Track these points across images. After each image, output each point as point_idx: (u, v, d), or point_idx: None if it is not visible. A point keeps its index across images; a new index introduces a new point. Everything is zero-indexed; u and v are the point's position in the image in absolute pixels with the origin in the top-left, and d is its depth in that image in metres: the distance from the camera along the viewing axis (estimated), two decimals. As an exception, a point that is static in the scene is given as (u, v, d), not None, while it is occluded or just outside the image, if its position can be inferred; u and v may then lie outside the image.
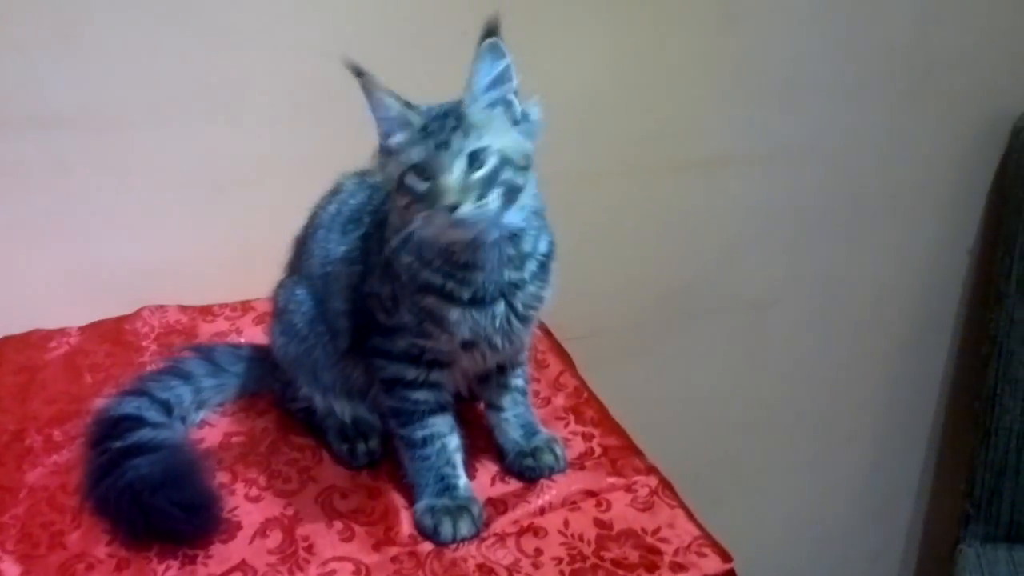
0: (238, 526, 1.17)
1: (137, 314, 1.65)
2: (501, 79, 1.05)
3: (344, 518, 1.18)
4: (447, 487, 1.17)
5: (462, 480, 1.19)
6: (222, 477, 1.26)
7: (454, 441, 1.20)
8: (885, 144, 2.05)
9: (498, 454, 1.28)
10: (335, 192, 1.31)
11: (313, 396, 1.30)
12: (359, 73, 1.05)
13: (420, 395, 1.18)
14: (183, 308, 1.68)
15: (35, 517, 1.20)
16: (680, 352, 2.07)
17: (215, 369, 1.43)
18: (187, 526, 1.13)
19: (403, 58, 1.67)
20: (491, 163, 1.02)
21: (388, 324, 1.16)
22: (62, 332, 1.61)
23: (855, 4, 1.93)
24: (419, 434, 1.18)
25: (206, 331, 1.62)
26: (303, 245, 1.32)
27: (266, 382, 1.41)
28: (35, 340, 1.59)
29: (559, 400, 1.41)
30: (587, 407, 1.39)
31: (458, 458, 1.19)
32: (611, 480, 1.23)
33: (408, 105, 1.06)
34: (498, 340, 1.13)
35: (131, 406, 1.30)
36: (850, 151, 2.03)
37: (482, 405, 1.30)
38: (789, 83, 1.94)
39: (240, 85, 1.62)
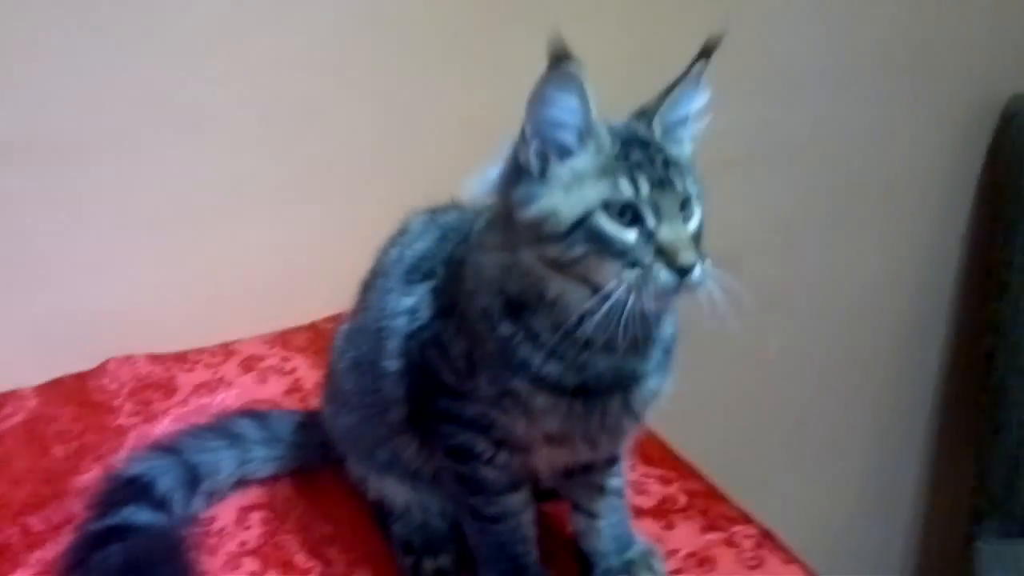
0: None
1: (102, 368, 1.44)
2: (699, 115, 0.86)
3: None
4: (517, 566, 0.99)
5: (532, 556, 1.00)
6: (250, 565, 1.08)
7: (528, 516, 0.99)
8: (875, 135, 1.98)
9: (581, 562, 1.05)
10: (401, 233, 1.06)
11: (368, 478, 1.09)
12: (564, 55, 0.76)
13: (490, 473, 0.95)
14: (154, 357, 1.47)
15: (31, 633, 1.00)
16: (682, 357, 1.97)
17: (269, 436, 1.21)
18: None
19: (388, 65, 1.53)
20: (698, 215, 0.81)
21: (455, 387, 0.92)
22: (15, 395, 1.39)
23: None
24: (489, 510, 0.97)
25: (186, 382, 1.42)
26: (363, 293, 1.09)
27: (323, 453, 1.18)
28: (-16, 406, 1.37)
29: None
30: (648, 446, 1.23)
31: (531, 533, 1.00)
32: (708, 536, 1.08)
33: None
34: (603, 439, 0.91)
35: (145, 467, 1.11)
36: (841, 144, 1.96)
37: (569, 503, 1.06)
38: (781, 78, 1.85)
39: (207, 103, 1.42)
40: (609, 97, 1.68)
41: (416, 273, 0.98)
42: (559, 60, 0.76)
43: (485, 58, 1.56)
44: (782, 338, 2.05)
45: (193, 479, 1.14)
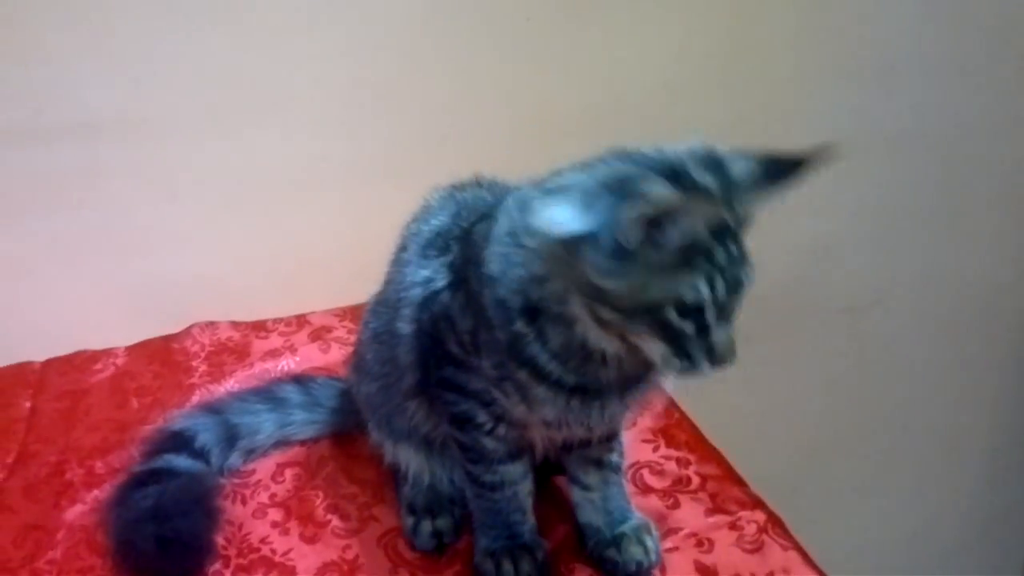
0: (292, 571, 1.06)
1: (187, 332, 1.55)
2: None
3: (410, 566, 1.05)
4: (512, 534, 1.01)
5: (528, 524, 1.03)
6: (274, 515, 1.14)
7: (526, 487, 1.02)
8: (991, 127, 1.86)
9: (577, 535, 1.07)
10: (421, 210, 1.09)
11: (384, 444, 1.13)
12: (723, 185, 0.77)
13: (489, 442, 0.98)
14: (235, 324, 1.57)
15: (72, 561, 1.09)
16: (771, 362, 1.90)
17: (310, 401, 1.28)
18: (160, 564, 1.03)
19: (458, 50, 1.56)
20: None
21: (460, 358, 0.95)
22: (108, 353, 1.51)
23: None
24: (488, 478, 1.00)
25: (259, 349, 1.50)
26: (390, 267, 1.12)
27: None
28: (80, 362, 1.50)
29: (646, 420, 1.24)
30: (679, 429, 1.23)
31: (528, 503, 1.02)
32: (713, 518, 1.07)
33: None
34: (599, 427, 0.94)
35: (189, 423, 1.20)
36: (954, 136, 1.85)
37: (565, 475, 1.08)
38: (886, 64, 1.77)
39: (287, 86, 1.51)
40: (689, 86, 1.67)
41: (432, 248, 1.00)
42: (716, 194, 0.77)
43: (557, 43, 1.59)
44: (883, 338, 1.96)
45: (231, 437, 1.22)
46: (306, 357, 1.46)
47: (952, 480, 2.20)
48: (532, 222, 0.81)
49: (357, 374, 1.16)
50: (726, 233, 0.78)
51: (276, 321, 1.58)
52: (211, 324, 1.56)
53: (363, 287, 1.63)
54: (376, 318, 1.11)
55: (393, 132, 1.57)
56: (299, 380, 1.32)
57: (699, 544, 1.03)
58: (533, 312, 0.85)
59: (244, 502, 1.17)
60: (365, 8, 1.50)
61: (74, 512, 1.17)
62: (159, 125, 1.48)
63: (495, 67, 1.57)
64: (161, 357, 1.50)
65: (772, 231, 1.92)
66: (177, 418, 1.24)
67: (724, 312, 0.79)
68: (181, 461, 1.15)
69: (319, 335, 1.53)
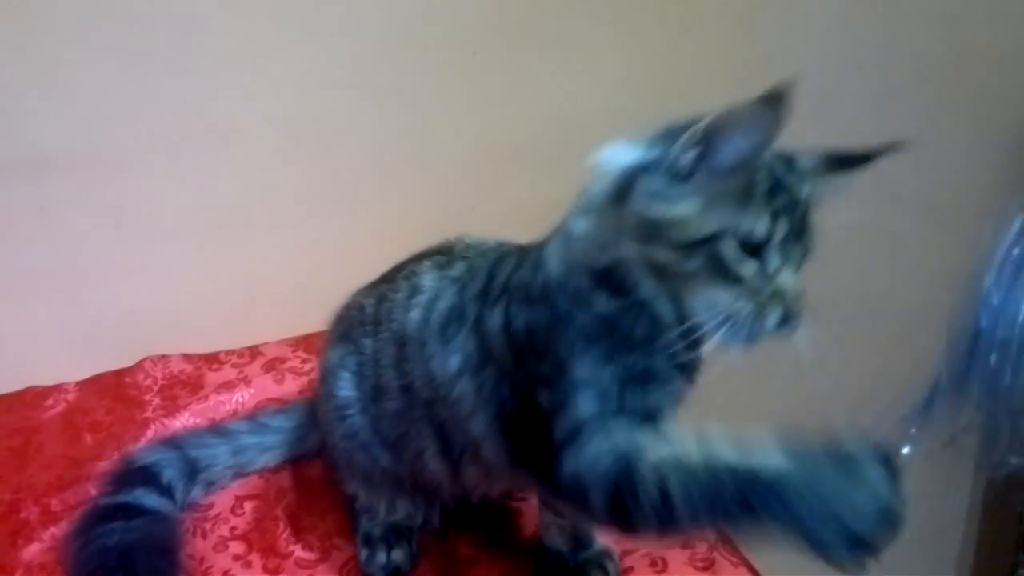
0: (256, 603, 1.07)
1: (138, 366, 1.54)
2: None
3: (373, 592, 1.07)
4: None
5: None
6: (235, 548, 1.15)
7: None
8: (920, 152, 1.94)
9: (536, 557, 1.09)
10: (412, 294, 1.02)
11: (346, 478, 1.13)
12: (783, 99, 0.73)
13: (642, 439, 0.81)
14: (187, 357, 1.57)
15: (32, 602, 1.09)
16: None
17: (256, 426, 1.30)
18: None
19: (408, 82, 1.59)
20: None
21: (557, 399, 0.82)
22: (59, 388, 1.50)
23: (879, 5, 1.83)
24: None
25: (212, 381, 1.51)
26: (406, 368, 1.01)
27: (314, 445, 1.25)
28: (30, 398, 1.48)
29: None
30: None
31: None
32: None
33: None
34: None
35: (155, 458, 1.21)
36: (884, 161, 1.92)
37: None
38: (815, 91, 1.83)
39: (237, 116, 1.52)
40: (632, 110, 1.72)
41: (452, 324, 0.94)
42: (777, 101, 0.73)
43: (503, 76, 1.62)
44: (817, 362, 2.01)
45: (192, 471, 1.23)
46: (260, 388, 1.47)
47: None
48: (592, 163, 0.80)
49: (335, 422, 1.10)
50: (790, 191, 0.78)
51: (228, 353, 1.58)
52: (163, 357, 1.56)
53: (315, 317, 1.65)
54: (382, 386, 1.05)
55: (343, 163, 1.59)
56: (250, 418, 1.34)
57: (653, 563, 1.07)
58: (606, 281, 0.81)
59: (204, 536, 1.18)
60: (314, 40, 1.51)
61: (31, 551, 1.17)
62: (108, 158, 1.47)
63: (443, 99, 1.60)
64: (113, 392, 1.49)
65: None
66: (140, 452, 1.25)
67: (788, 259, 0.77)
68: (150, 499, 1.15)
69: (272, 366, 1.53)
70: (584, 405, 0.80)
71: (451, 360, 0.93)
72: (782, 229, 0.77)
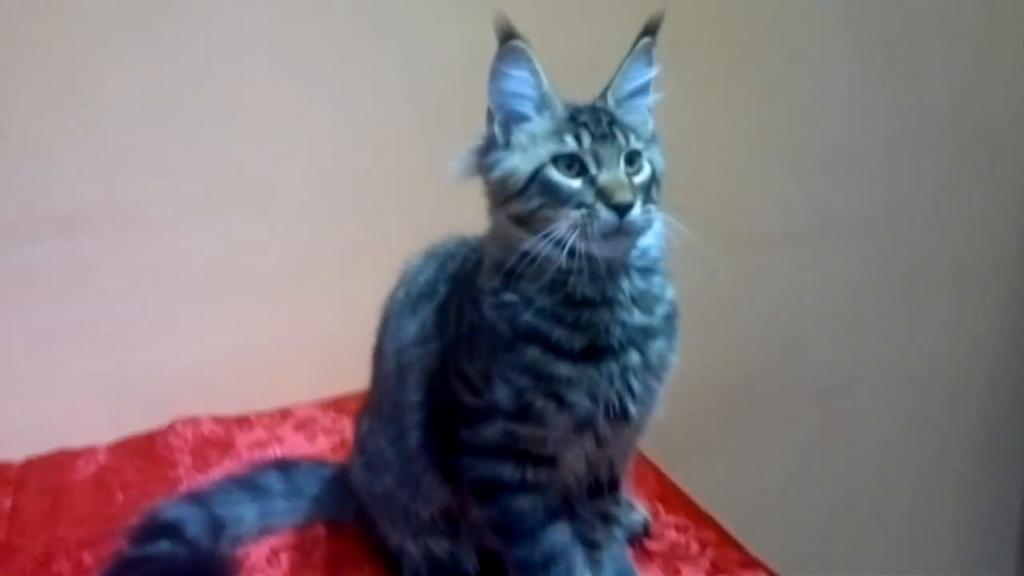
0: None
1: (169, 428, 1.54)
2: (646, 89, 0.94)
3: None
4: None
5: None
6: (274, 599, 1.13)
7: (579, 555, 0.99)
8: (940, 215, 1.97)
9: None
10: (402, 277, 1.13)
11: (394, 537, 1.11)
12: (510, 35, 0.87)
13: (523, 502, 0.95)
14: (217, 419, 1.56)
15: (66, 651, 1.07)
16: (746, 447, 1.94)
17: (292, 490, 1.27)
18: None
19: (439, 147, 1.62)
20: (647, 169, 0.90)
21: (475, 406, 0.94)
22: (90, 451, 1.50)
23: (894, 72, 1.88)
24: (536, 556, 0.96)
25: (243, 441, 1.50)
26: (378, 353, 1.14)
27: (346, 509, 1.23)
28: (61, 460, 1.48)
29: (644, 488, 1.26)
30: (674, 496, 1.26)
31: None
32: (714, 577, 1.08)
33: None
34: (631, 406, 0.92)
35: (177, 514, 1.19)
36: (905, 223, 1.95)
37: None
38: (835, 155, 1.87)
39: (272, 178, 1.56)
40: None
41: (424, 298, 1.05)
42: (507, 38, 0.87)
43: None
44: (843, 425, 2.00)
45: (216, 527, 1.21)
46: (292, 447, 1.47)
47: (926, 567, 2.22)
48: (459, 173, 0.95)
49: (367, 472, 1.13)
50: (591, 107, 0.91)
51: (259, 415, 1.58)
52: (193, 419, 1.56)
53: (347, 379, 1.65)
54: (376, 408, 1.13)
55: (375, 224, 1.61)
56: (281, 466, 1.32)
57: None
58: (508, 276, 0.91)
59: (241, 587, 1.16)
60: (349, 102, 1.56)
61: (64, 604, 1.15)
62: (144, 216, 1.50)
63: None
64: (144, 453, 1.49)
65: (740, 322, 1.99)
66: (165, 507, 1.23)
67: (603, 161, 0.87)
68: (174, 548, 1.14)
69: (304, 425, 1.53)
70: (490, 432, 0.94)
71: (410, 329, 1.03)
72: (587, 138, 0.88)
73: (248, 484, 1.28)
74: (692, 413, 1.87)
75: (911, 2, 1.87)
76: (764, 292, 1.89)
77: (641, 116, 0.94)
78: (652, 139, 0.94)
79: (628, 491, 1.09)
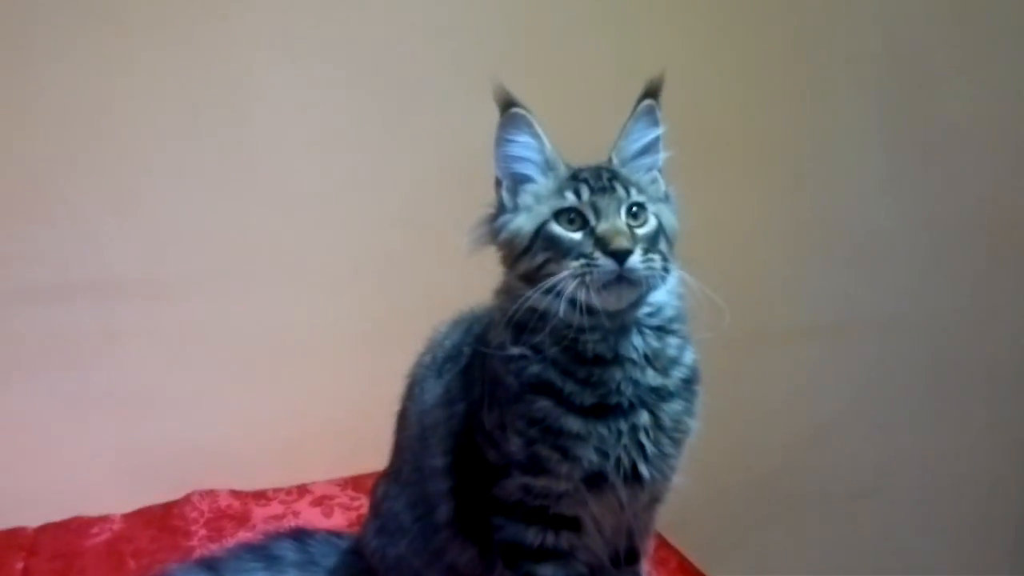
0: None
1: (186, 499, 1.53)
2: (652, 148, 0.96)
3: None
4: None
5: None
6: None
7: None
8: (973, 311, 1.95)
9: None
10: (429, 343, 1.13)
11: None
12: (510, 104, 0.92)
13: (546, 571, 0.95)
14: (235, 492, 1.55)
15: None
16: (772, 551, 1.89)
17: (306, 560, 1.24)
18: None
19: (466, 222, 1.64)
20: (652, 222, 0.91)
21: (495, 461, 0.94)
22: (105, 519, 1.49)
23: (928, 165, 1.89)
24: None
25: (259, 515, 1.49)
26: (401, 418, 1.14)
27: None
28: (76, 527, 1.47)
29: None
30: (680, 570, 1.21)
31: None
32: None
33: None
34: (643, 466, 0.92)
35: None
36: (938, 319, 1.93)
37: None
38: (867, 247, 1.87)
39: (298, 252, 1.58)
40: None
41: (449, 362, 1.05)
42: (507, 106, 0.92)
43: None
44: (883, 525, 1.94)
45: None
46: (309, 521, 1.44)
47: None
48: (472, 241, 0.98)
49: (381, 536, 1.11)
50: (593, 166, 0.93)
51: (276, 490, 1.56)
52: (210, 492, 1.55)
53: (367, 458, 1.64)
54: (402, 464, 1.11)
55: (398, 301, 1.61)
56: (297, 535, 1.29)
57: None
58: (518, 331, 0.92)
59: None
60: (375, 179, 1.59)
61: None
62: (174, 284, 1.53)
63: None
64: (159, 523, 1.48)
65: (770, 418, 1.96)
66: (174, 571, 1.22)
67: (601, 211, 0.89)
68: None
69: (321, 502, 1.52)
70: (508, 489, 0.95)
71: (435, 391, 1.04)
72: (586, 192, 0.90)
73: (262, 552, 1.25)
74: (721, 507, 1.84)
75: (948, 95, 1.89)
76: (790, 386, 1.87)
77: (649, 175, 0.96)
78: (663, 198, 0.95)
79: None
